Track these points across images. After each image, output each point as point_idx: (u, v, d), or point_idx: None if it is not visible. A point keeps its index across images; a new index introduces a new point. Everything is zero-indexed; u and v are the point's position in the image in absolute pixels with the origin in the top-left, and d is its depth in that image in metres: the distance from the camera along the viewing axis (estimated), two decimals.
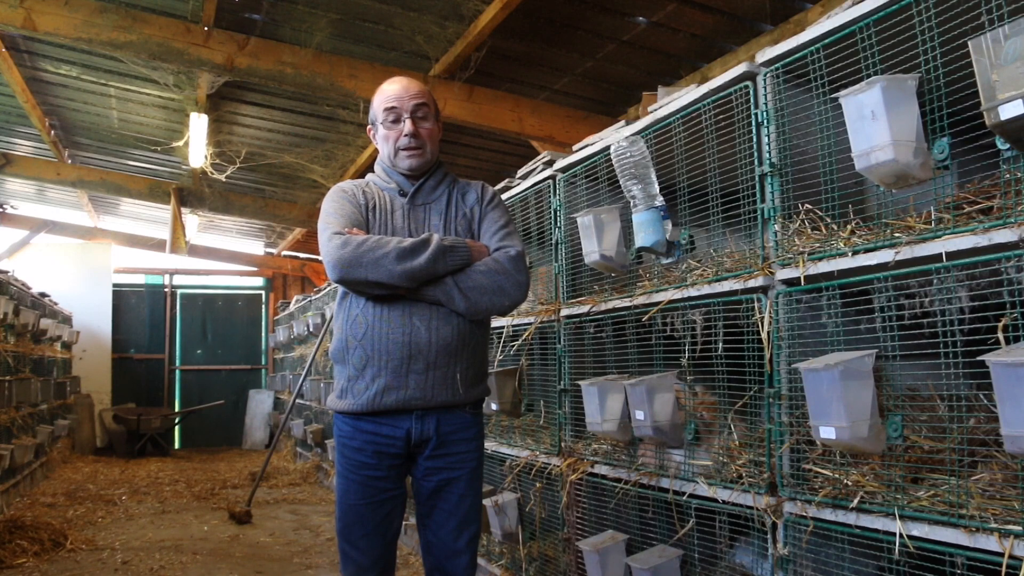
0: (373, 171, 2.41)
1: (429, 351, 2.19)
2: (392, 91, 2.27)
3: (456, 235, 2.28)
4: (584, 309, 3.05)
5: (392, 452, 2.25)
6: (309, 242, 11.98)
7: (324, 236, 2.20)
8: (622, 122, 2.97)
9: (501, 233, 2.31)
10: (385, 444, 2.24)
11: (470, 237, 2.31)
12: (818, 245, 2.01)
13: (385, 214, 2.28)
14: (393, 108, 2.26)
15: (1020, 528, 1.51)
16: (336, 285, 2.28)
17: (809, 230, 2.06)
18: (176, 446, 11.97)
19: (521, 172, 3.82)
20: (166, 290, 12.72)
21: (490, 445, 3.91)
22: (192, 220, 10.51)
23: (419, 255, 2.11)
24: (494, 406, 3.75)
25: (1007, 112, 1.50)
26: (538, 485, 3.41)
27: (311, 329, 8.48)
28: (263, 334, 13.07)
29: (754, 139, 2.22)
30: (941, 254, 1.67)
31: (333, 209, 2.26)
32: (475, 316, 2.23)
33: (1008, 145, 1.63)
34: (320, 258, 2.51)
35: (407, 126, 2.24)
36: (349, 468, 2.28)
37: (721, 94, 2.35)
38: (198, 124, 6.63)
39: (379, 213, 2.28)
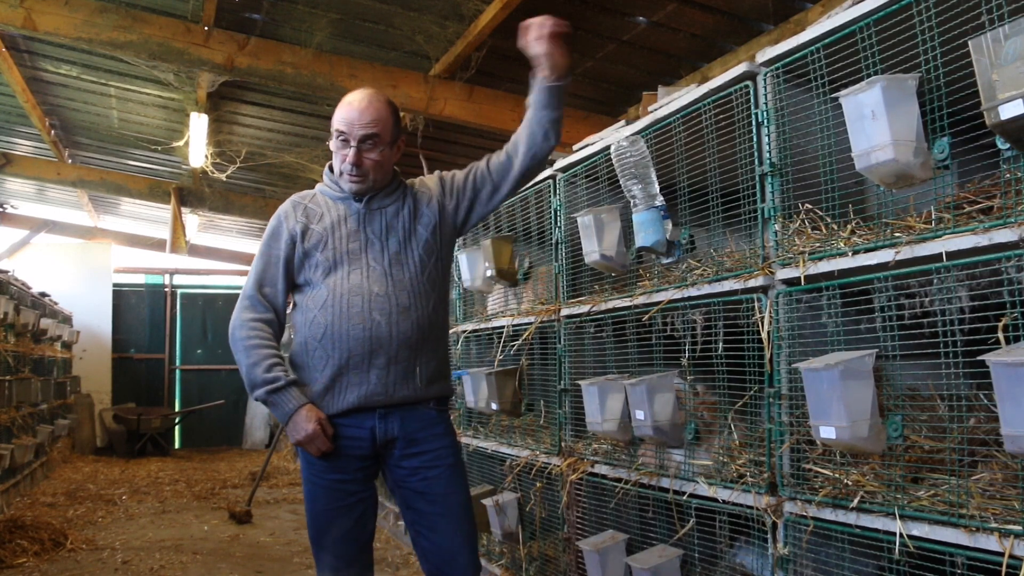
0: (322, 180, 2.40)
1: (390, 345, 2.20)
2: (346, 113, 2.23)
3: (413, 231, 2.30)
4: (584, 309, 3.05)
5: (358, 454, 2.25)
6: None
7: (247, 281, 2.36)
8: (622, 122, 2.97)
9: (472, 164, 2.40)
10: (350, 446, 2.24)
11: (432, 236, 2.32)
12: (818, 245, 2.01)
13: (337, 221, 2.29)
14: (342, 132, 2.23)
15: (1020, 528, 1.51)
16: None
17: (809, 230, 2.06)
18: (176, 446, 11.97)
19: None
20: (166, 290, 12.72)
21: (490, 445, 3.91)
22: (192, 220, 10.51)
23: (251, 380, 2.26)
24: (494, 406, 3.75)
25: (1007, 112, 1.50)
26: (538, 485, 3.41)
27: None
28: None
29: (754, 139, 2.22)
30: (941, 254, 1.67)
31: (260, 248, 2.36)
32: (550, 129, 2.24)
33: (1008, 145, 1.63)
34: None
35: (351, 155, 2.22)
36: (315, 473, 2.27)
37: (721, 94, 2.35)
38: (198, 124, 6.63)
39: (329, 221, 2.29)
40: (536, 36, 2.15)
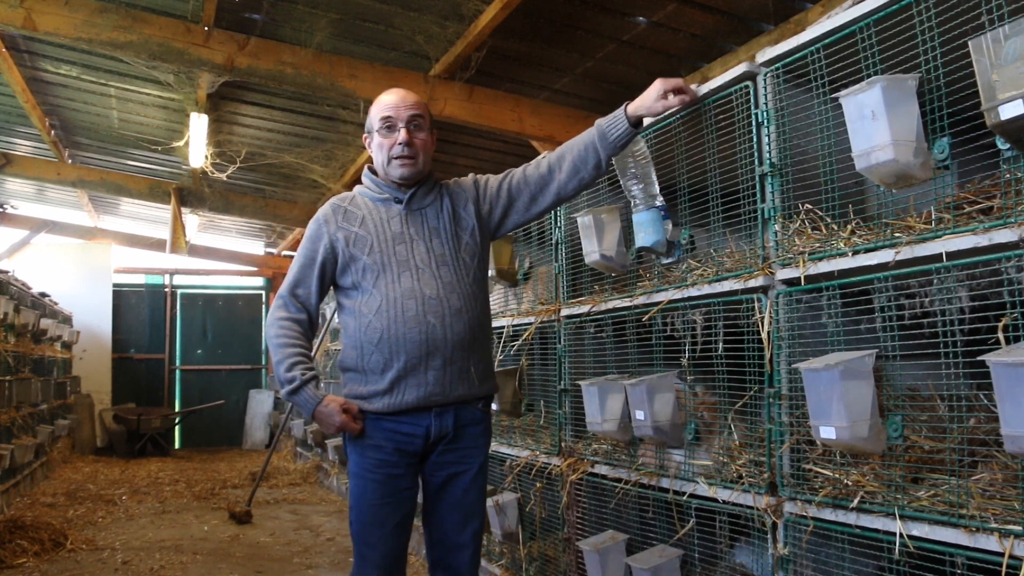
0: (361, 183, 2.44)
1: (445, 347, 2.25)
2: (389, 100, 2.32)
3: (455, 235, 2.34)
4: (584, 309, 3.05)
5: (411, 450, 2.30)
6: None
7: (283, 282, 2.40)
8: None
9: (508, 170, 2.44)
10: (405, 441, 2.29)
11: (471, 239, 2.37)
12: (818, 245, 2.01)
13: (380, 224, 2.32)
14: (389, 117, 2.30)
15: (1020, 528, 1.51)
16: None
17: (809, 230, 2.06)
18: (176, 446, 11.97)
19: None
20: (166, 290, 12.72)
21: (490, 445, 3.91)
22: (192, 220, 10.51)
23: (277, 378, 2.31)
24: (494, 406, 3.75)
25: (1007, 112, 1.50)
26: (538, 485, 3.41)
27: None
28: (263, 333, 13.07)
29: (754, 139, 2.22)
30: (941, 254, 1.67)
31: (299, 250, 2.40)
32: (604, 162, 2.37)
33: (1008, 145, 1.63)
34: None
35: (402, 135, 2.28)
36: (367, 467, 2.30)
37: (721, 94, 2.35)
38: (198, 124, 6.63)
39: (372, 224, 2.32)
40: (671, 90, 2.31)
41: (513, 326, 3.71)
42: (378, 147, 2.34)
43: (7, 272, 6.87)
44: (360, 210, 2.35)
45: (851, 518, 1.86)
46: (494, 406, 3.75)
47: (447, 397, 2.28)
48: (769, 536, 2.11)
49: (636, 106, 2.32)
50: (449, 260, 2.31)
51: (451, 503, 2.32)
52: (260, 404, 12.20)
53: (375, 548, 2.28)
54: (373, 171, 2.41)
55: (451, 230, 2.34)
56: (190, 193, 9.24)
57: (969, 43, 1.58)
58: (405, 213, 2.33)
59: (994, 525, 1.55)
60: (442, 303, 2.25)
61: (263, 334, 13.06)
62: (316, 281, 2.35)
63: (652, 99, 2.31)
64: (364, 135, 2.43)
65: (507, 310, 3.92)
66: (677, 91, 2.32)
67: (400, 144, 2.28)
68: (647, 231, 2.61)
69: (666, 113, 2.43)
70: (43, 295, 8.78)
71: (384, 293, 2.25)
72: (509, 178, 2.43)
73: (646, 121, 2.69)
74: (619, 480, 2.79)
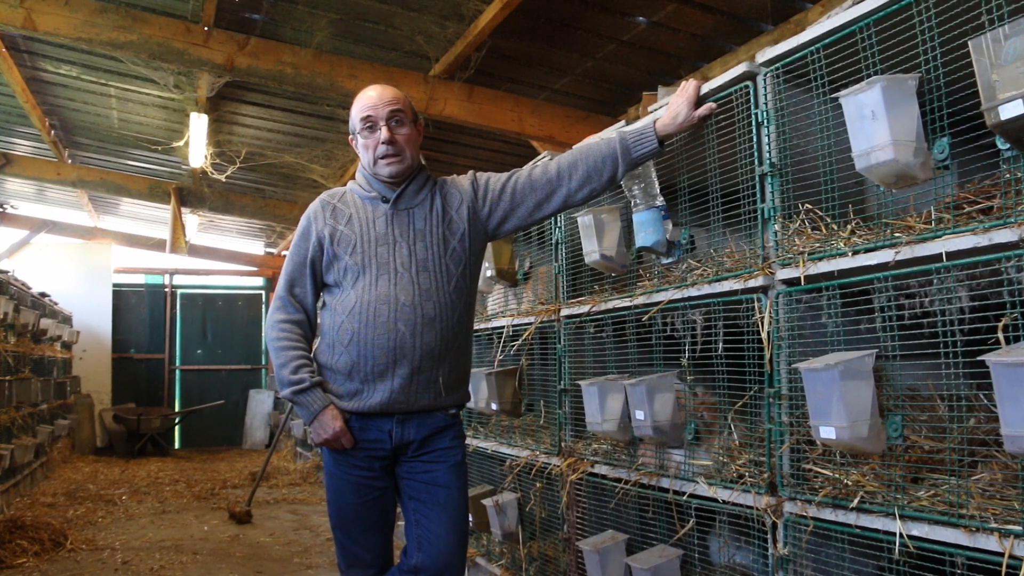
0: (355, 178, 2.43)
1: (414, 356, 2.24)
2: (367, 100, 2.31)
3: (442, 239, 2.32)
4: (584, 309, 3.05)
5: (380, 455, 2.32)
6: None
7: (279, 282, 2.40)
8: (622, 122, 2.97)
9: (513, 171, 2.42)
10: (372, 448, 2.31)
11: (459, 245, 2.34)
12: (818, 245, 2.00)
13: (365, 224, 2.31)
14: (369, 117, 2.29)
15: (1020, 528, 1.51)
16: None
17: (809, 230, 2.06)
18: (176, 446, 11.98)
19: None
20: (166, 290, 12.73)
21: (490, 445, 3.91)
22: (192, 220, 10.51)
23: (279, 380, 2.29)
24: (494, 406, 3.75)
25: (1007, 112, 1.50)
26: (538, 485, 3.41)
27: None
28: (263, 334, 13.08)
29: (754, 139, 2.22)
30: (941, 254, 1.67)
31: (291, 248, 2.40)
32: (618, 176, 2.38)
33: (1008, 145, 1.63)
34: None
35: (383, 133, 2.26)
36: (341, 469, 2.33)
37: (721, 94, 2.35)
38: (198, 124, 6.63)
39: (358, 224, 2.31)
40: (695, 100, 2.33)
41: (513, 326, 3.71)
42: (363, 148, 2.33)
43: (7, 272, 6.87)
44: (348, 208, 2.35)
45: (851, 518, 1.86)
46: (493, 406, 3.75)
47: (411, 406, 2.27)
48: (769, 536, 2.11)
49: (666, 124, 2.33)
50: (431, 266, 2.28)
51: (437, 503, 2.30)
52: (260, 404, 12.20)
53: (358, 542, 2.33)
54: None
55: (438, 234, 2.31)
56: (190, 193, 9.24)
57: (969, 43, 1.58)
58: (391, 213, 2.31)
59: (994, 525, 1.55)
60: (416, 311, 2.24)
61: (263, 334, 13.07)
62: (310, 279, 2.35)
63: (684, 116, 2.31)
64: (349, 137, 2.42)
65: (507, 310, 3.92)
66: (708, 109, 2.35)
67: (383, 143, 2.27)
68: (647, 231, 2.61)
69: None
70: (43, 295, 8.79)
71: (360, 295, 2.26)
72: (514, 180, 2.39)
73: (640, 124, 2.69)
74: (619, 480, 2.79)
